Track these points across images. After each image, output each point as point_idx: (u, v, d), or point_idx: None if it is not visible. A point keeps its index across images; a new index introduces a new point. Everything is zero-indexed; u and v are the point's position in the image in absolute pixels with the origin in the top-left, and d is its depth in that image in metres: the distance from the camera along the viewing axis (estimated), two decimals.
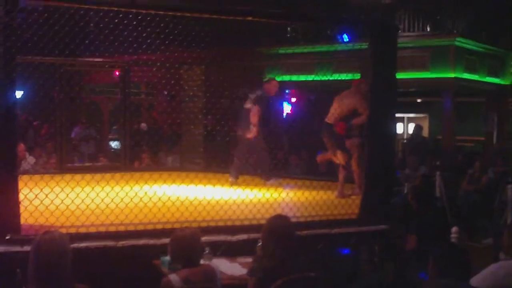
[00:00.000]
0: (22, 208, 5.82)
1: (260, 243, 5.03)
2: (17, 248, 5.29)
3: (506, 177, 11.66)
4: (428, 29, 16.87)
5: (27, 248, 4.13)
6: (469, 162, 13.55)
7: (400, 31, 12.93)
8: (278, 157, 11.18)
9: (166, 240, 4.82)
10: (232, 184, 9.50)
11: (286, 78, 17.92)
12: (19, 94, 13.88)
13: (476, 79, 17.17)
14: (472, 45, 16.79)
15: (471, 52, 16.89)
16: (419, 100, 21.07)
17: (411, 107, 20.89)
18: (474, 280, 4.19)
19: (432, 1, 17.01)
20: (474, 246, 9.59)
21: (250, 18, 6.92)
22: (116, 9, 6.77)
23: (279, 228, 4.75)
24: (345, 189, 8.68)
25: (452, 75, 16.02)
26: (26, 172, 9.81)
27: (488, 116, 18.93)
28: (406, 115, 21.80)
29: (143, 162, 14.25)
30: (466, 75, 16.63)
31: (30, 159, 12.18)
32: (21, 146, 11.73)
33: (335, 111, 8.49)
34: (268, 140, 9.75)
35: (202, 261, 4.82)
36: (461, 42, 16.27)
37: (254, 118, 9.48)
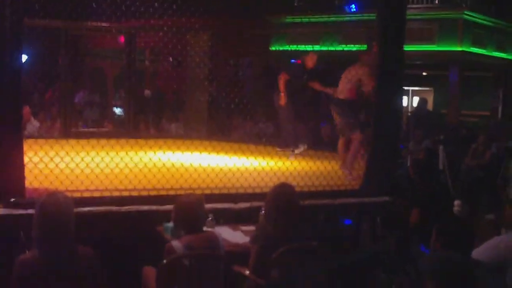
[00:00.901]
0: (27, 171, 5.83)
1: (263, 211, 5.05)
2: (21, 211, 5.31)
3: (510, 152, 11.65)
4: (436, 1, 16.72)
5: (31, 211, 4.15)
6: (473, 136, 13.52)
7: (408, 3, 12.83)
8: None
9: (170, 207, 4.83)
10: (292, 154, 9.49)
11: (292, 47, 17.81)
12: (24, 57, 13.85)
13: (483, 53, 17.06)
14: (480, 19, 16.65)
15: (479, 26, 16.76)
16: (425, 73, 20.97)
17: (416, 80, 20.77)
18: (475, 253, 4.21)
19: None
20: (476, 220, 9.60)
21: None
22: None
23: (282, 197, 4.77)
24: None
25: (459, 48, 15.91)
26: (31, 136, 9.83)
27: (495, 91, 18.86)
28: (411, 88, 21.70)
29: (147, 129, 14.24)
30: (474, 49, 16.52)
31: (35, 123, 12.18)
32: (26, 109, 11.72)
33: (344, 86, 8.32)
34: (296, 109, 9.75)
35: (205, 228, 4.84)
36: (469, 15, 16.13)
37: (280, 84, 9.51)
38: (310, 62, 9.65)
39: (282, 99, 9.43)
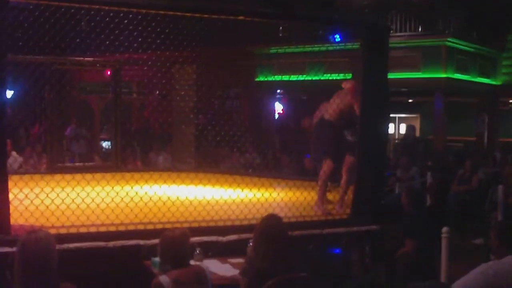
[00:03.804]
0: (12, 208, 5.78)
1: (251, 243, 5.01)
2: (6, 249, 5.24)
3: (497, 177, 11.69)
4: (420, 29, 16.91)
5: (15, 248, 4.09)
6: (460, 162, 13.58)
7: (391, 31, 12.94)
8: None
9: (157, 241, 4.79)
10: None
11: (278, 78, 17.94)
12: (9, 93, 13.82)
13: (467, 79, 17.24)
14: (463, 45, 16.85)
15: (463, 52, 16.96)
16: (410, 100, 21.13)
17: (402, 107, 20.94)
18: (463, 280, 4.19)
19: (424, 1, 17.05)
20: (465, 246, 9.61)
21: (241, 18, 6.90)
22: (107, 7, 6.74)
23: (271, 229, 4.74)
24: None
25: (444, 75, 16.07)
26: (13, 171, 9.77)
27: (479, 116, 19.01)
28: (397, 115, 21.84)
29: (135, 162, 14.21)
30: (458, 75, 16.69)
31: (18, 158, 12.12)
32: (8, 141, 11.68)
33: (337, 106, 8.00)
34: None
35: (193, 262, 4.80)
36: (452, 42, 16.33)
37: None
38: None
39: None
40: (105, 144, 17.04)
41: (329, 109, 7.93)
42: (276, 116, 19.56)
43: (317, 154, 8.21)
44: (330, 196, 8.28)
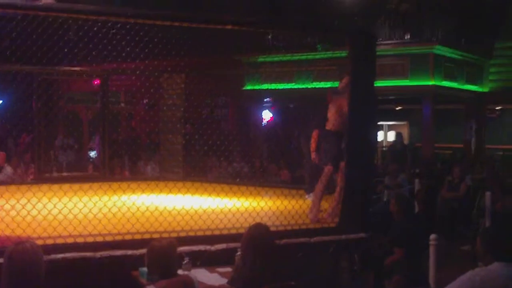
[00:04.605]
0: None
1: (239, 252, 5.01)
2: None
3: (484, 184, 11.74)
4: (407, 37, 16.98)
5: (2, 260, 4.08)
6: (448, 169, 13.63)
7: (379, 39, 12.99)
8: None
9: (145, 251, 4.78)
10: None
11: (266, 86, 17.95)
12: None
13: (455, 86, 17.32)
14: (450, 53, 16.93)
15: (450, 60, 17.04)
16: (398, 108, 21.20)
17: (390, 115, 21.00)
18: (450, 287, 4.19)
19: (411, 9, 17.12)
20: (453, 252, 9.64)
21: (229, 27, 6.91)
22: (94, 17, 6.73)
23: (258, 237, 4.74)
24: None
25: (431, 82, 16.14)
26: (2, 182, 9.73)
27: (467, 123, 19.09)
28: (385, 123, 21.90)
29: (123, 171, 14.17)
30: (445, 83, 16.76)
31: (8, 170, 12.06)
32: (1, 155, 11.64)
33: (332, 115, 7.99)
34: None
35: (181, 271, 4.79)
36: (440, 50, 16.41)
37: (313, 142, 9.26)
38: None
39: (316, 159, 9.16)
40: (93, 154, 16.98)
41: (329, 119, 8.00)
42: (264, 124, 19.56)
43: (321, 163, 8.27)
44: (326, 204, 8.26)
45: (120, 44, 8.80)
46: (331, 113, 7.97)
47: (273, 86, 17.61)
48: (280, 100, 18.79)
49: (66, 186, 7.71)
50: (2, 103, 15.00)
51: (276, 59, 16.61)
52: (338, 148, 7.88)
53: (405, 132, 21.13)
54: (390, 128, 22.04)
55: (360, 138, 7.31)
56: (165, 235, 6.07)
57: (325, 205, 8.08)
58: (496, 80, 18.99)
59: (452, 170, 12.58)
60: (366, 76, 7.37)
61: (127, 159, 15.26)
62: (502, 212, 9.83)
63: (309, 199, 9.01)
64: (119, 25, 7.52)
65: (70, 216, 6.62)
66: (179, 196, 8.58)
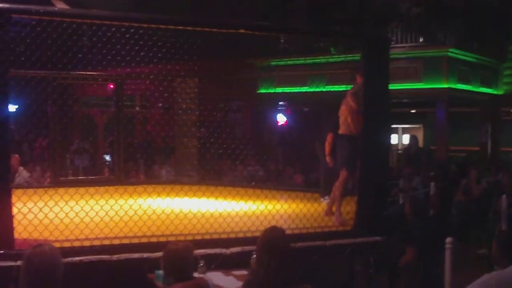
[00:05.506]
0: (15, 223, 5.80)
1: (255, 255, 5.02)
2: (10, 263, 5.25)
3: (499, 187, 11.66)
4: (421, 40, 16.94)
5: (20, 262, 4.11)
6: (463, 172, 13.55)
7: (392, 43, 12.96)
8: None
9: (160, 254, 4.81)
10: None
11: (280, 90, 17.98)
12: (13, 108, 13.87)
13: (469, 89, 17.24)
14: (464, 55, 16.87)
15: (464, 63, 16.97)
16: (413, 111, 21.14)
17: (405, 118, 20.94)
18: None
19: (424, 12, 17.08)
20: (469, 256, 9.59)
21: (242, 31, 6.93)
22: (108, 22, 6.78)
23: (274, 241, 4.74)
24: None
25: (445, 85, 16.08)
26: (19, 186, 9.80)
27: (482, 126, 19.00)
28: (400, 126, 21.85)
29: (138, 175, 14.22)
30: (459, 86, 16.69)
31: (24, 173, 12.14)
32: (16, 158, 11.71)
33: (345, 119, 8.06)
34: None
35: (196, 274, 4.81)
36: (453, 52, 16.35)
37: (327, 146, 9.09)
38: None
39: (330, 162, 9.17)
40: (109, 158, 17.05)
41: (341, 124, 8.03)
42: (278, 127, 19.56)
43: (337, 168, 8.28)
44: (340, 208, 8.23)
45: (133, 49, 8.86)
46: (343, 118, 7.99)
47: (286, 89, 17.64)
48: (294, 104, 18.79)
49: (82, 190, 7.75)
50: (17, 108, 15.08)
51: (289, 62, 16.63)
52: (352, 152, 7.90)
53: (420, 135, 21.07)
54: (405, 131, 21.98)
55: (374, 141, 7.31)
56: (181, 238, 6.10)
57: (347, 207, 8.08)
58: (510, 83, 18.88)
59: (468, 173, 12.51)
60: (379, 79, 7.37)
61: (142, 163, 15.32)
62: None
63: (324, 202, 9.03)
64: (132, 30, 7.56)
65: (87, 219, 6.67)
66: (195, 200, 8.60)
